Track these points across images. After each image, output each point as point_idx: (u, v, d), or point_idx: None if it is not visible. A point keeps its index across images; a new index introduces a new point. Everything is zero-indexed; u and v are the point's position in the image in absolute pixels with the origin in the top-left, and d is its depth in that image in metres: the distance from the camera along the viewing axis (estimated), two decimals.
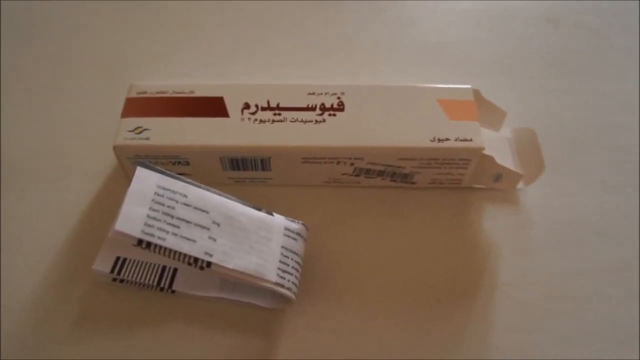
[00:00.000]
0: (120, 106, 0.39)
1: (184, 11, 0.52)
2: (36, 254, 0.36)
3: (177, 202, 0.31)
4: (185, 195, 0.32)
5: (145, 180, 0.31)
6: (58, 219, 0.37)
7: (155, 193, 0.31)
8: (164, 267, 0.34)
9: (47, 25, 0.50)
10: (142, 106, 0.37)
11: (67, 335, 0.33)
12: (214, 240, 0.31)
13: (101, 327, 0.33)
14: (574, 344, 0.33)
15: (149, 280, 0.33)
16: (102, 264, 0.33)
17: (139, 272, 0.33)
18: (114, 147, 0.36)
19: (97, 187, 0.39)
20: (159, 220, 0.30)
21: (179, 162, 0.37)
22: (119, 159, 0.37)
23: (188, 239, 0.30)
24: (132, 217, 0.30)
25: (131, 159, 0.37)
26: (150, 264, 0.34)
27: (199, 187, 0.33)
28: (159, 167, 0.32)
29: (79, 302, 0.34)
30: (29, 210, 0.38)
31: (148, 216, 0.30)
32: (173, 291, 0.34)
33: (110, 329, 0.33)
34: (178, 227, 0.31)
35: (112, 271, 0.33)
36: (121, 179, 0.39)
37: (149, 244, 0.29)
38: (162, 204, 0.31)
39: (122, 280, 0.34)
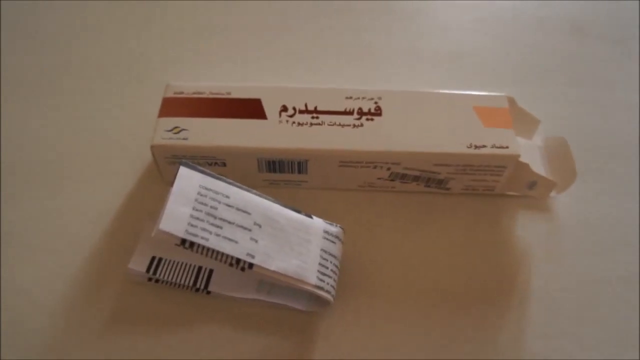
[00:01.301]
0: (151, 108, 0.39)
1: (220, 12, 0.52)
2: (70, 253, 0.36)
3: (219, 202, 0.31)
4: (227, 196, 0.32)
5: (188, 179, 0.31)
6: (92, 219, 0.37)
7: (198, 193, 0.31)
8: (200, 268, 0.34)
9: (80, 27, 0.51)
10: (179, 106, 0.37)
11: (100, 334, 0.33)
12: (256, 241, 0.31)
13: (135, 326, 0.33)
14: (604, 351, 0.33)
15: (185, 280, 0.33)
16: (138, 264, 0.33)
17: (174, 272, 0.33)
18: (152, 147, 0.36)
19: (130, 187, 0.39)
20: (202, 220, 0.30)
21: (216, 163, 0.37)
22: (155, 159, 0.37)
23: (230, 240, 0.30)
24: (176, 217, 0.30)
25: (168, 159, 0.37)
26: (186, 264, 0.34)
27: (241, 188, 0.33)
28: (202, 168, 0.32)
29: (113, 302, 0.34)
30: (63, 210, 0.38)
31: (191, 216, 0.30)
32: (209, 292, 0.34)
33: (144, 328, 0.33)
34: (221, 227, 0.31)
35: (147, 271, 0.33)
36: (155, 179, 0.39)
37: (192, 244, 0.29)
38: (205, 204, 0.31)
39: (157, 280, 0.34)
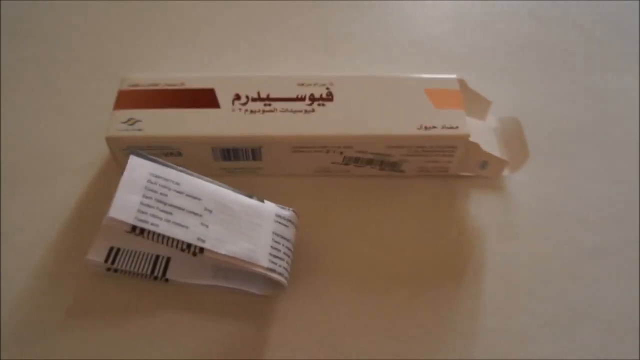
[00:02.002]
0: (111, 100, 0.39)
1: (174, 6, 0.53)
2: (30, 246, 0.36)
3: (169, 189, 0.32)
4: (178, 183, 0.32)
5: (138, 168, 0.32)
6: (52, 212, 0.38)
7: (148, 181, 0.32)
8: (157, 256, 0.34)
9: (35, 22, 0.51)
10: (134, 98, 0.38)
11: (61, 325, 0.33)
12: (206, 226, 0.32)
13: (95, 316, 0.33)
14: (559, 325, 0.34)
15: (143, 269, 0.34)
16: (96, 254, 0.34)
17: (132, 261, 0.34)
18: (107, 139, 0.36)
19: (89, 179, 0.40)
20: (152, 207, 0.31)
21: (171, 153, 0.37)
22: (111, 151, 0.37)
23: (181, 225, 0.31)
24: (126, 204, 0.30)
25: (124, 151, 0.37)
26: (144, 253, 0.34)
27: (192, 175, 0.33)
28: (153, 156, 0.33)
29: (73, 293, 0.34)
30: (23, 204, 0.38)
31: (141, 203, 0.31)
32: (167, 280, 0.34)
33: (104, 318, 0.33)
34: (171, 213, 0.31)
35: (106, 261, 0.34)
36: (114, 171, 0.40)
37: (142, 230, 0.30)
38: (155, 192, 0.31)
39: (115, 270, 0.34)
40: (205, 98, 0.38)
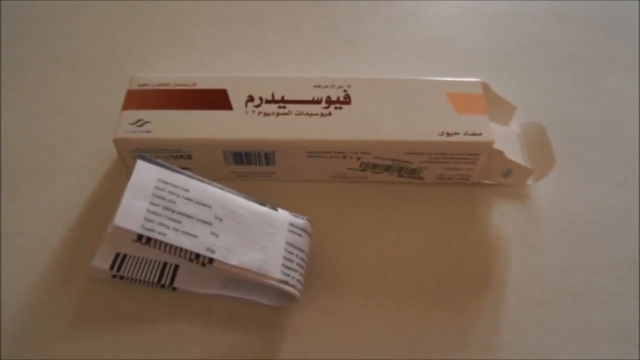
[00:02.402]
0: (118, 100, 0.38)
1: (186, 5, 0.51)
2: (35, 251, 0.35)
3: (178, 196, 0.30)
4: (186, 190, 0.31)
5: (145, 173, 0.30)
6: (57, 215, 0.37)
7: (156, 187, 0.30)
8: (165, 264, 0.33)
9: (44, 21, 0.50)
10: (143, 98, 0.37)
11: (65, 332, 0.32)
12: (216, 235, 0.30)
13: (100, 324, 0.32)
14: (581, 341, 0.32)
15: (150, 277, 0.33)
16: (102, 260, 0.32)
17: (139, 268, 0.33)
18: (115, 140, 0.35)
19: (97, 182, 0.38)
20: (159, 214, 0.29)
21: (181, 156, 0.36)
22: (119, 153, 0.36)
23: (189, 235, 0.30)
24: (132, 212, 0.29)
25: (132, 153, 0.36)
26: (151, 260, 0.33)
27: (202, 181, 0.32)
28: (160, 161, 0.32)
29: (78, 299, 0.33)
30: (28, 207, 0.37)
31: (148, 211, 0.29)
32: (174, 288, 0.33)
33: (109, 326, 0.32)
34: (179, 222, 0.30)
35: (111, 267, 0.32)
36: (122, 173, 0.38)
37: (149, 240, 0.29)
38: (163, 198, 0.30)
39: (121, 277, 0.33)
40: (217, 99, 0.36)
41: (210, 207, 0.31)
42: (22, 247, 0.35)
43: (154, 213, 0.29)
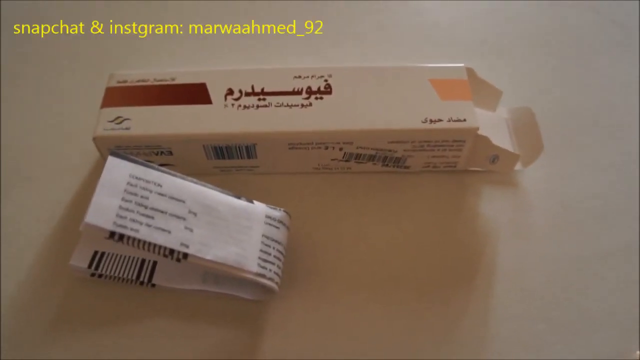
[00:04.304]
0: (99, 99, 0.37)
1: (163, 1, 0.51)
2: (16, 252, 0.35)
3: (151, 191, 0.30)
4: (159, 185, 0.30)
5: (117, 169, 0.30)
6: (39, 216, 0.36)
7: (128, 183, 0.30)
8: (143, 261, 0.33)
9: (19, 18, 0.49)
10: (122, 95, 0.36)
11: (46, 333, 0.32)
12: (191, 230, 0.30)
13: (80, 324, 0.32)
14: (572, 330, 0.32)
15: (128, 274, 0.32)
16: (80, 259, 0.32)
17: (117, 266, 0.32)
18: (94, 139, 0.35)
19: (79, 181, 0.38)
20: (131, 211, 0.29)
21: (162, 152, 0.36)
22: (99, 151, 0.36)
23: (163, 230, 0.29)
24: (103, 209, 0.29)
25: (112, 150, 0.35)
26: (129, 257, 0.33)
27: (175, 176, 0.31)
28: (133, 157, 0.31)
29: (59, 300, 0.33)
30: (10, 209, 0.37)
31: (120, 207, 0.29)
32: (153, 285, 0.32)
33: (90, 326, 0.32)
34: (152, 217, 0.29)
35: (89, 266, 0.32)
36: None
37: (121, 236, 0.28)
38: (135, 194, 0.30)
39: (100, 275, 0.32)
40: (196, 93, 0.36)
41: (184, 201, 0.30)
42: (4, 250, 0.35)
43: (126, 209, 0.29)
